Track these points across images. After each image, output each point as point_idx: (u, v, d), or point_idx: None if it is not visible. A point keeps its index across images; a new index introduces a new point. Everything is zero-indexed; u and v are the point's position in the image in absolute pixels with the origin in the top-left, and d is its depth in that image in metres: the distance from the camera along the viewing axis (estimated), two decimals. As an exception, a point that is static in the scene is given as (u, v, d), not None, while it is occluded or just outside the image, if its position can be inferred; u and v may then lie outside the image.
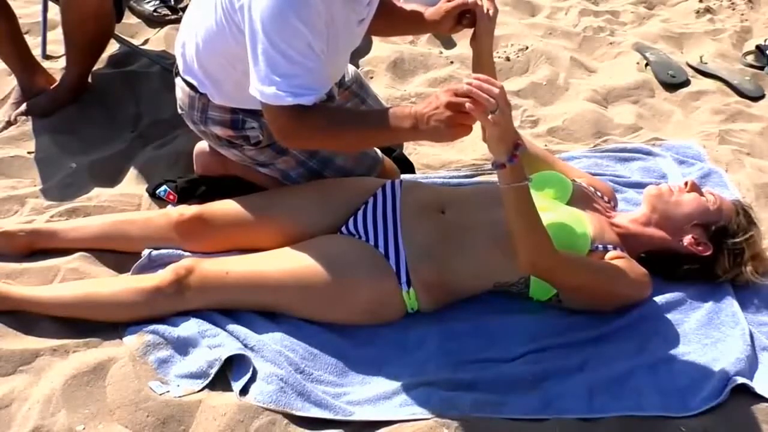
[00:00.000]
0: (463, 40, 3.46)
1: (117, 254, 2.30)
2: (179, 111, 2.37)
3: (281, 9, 1.88)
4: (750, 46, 3.59)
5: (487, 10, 2.20)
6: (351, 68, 2.59)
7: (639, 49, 3.49)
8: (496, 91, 1.77)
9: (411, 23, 2.39)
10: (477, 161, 2.79)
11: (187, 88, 2.27)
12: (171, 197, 2.49)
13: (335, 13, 1.98)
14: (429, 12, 2.31)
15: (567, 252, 2.02)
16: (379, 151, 2.49)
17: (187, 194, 2.49)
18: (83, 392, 1.89)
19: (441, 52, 3.46)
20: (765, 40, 3.54)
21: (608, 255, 2.10)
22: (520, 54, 3.44)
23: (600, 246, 2.10)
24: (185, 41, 2.25)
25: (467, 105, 1.78)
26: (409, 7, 2.39)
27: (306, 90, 1.95)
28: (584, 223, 2.12)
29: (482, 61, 2.26)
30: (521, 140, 1.89)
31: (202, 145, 2.53)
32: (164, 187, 2.51)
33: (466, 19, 2.24)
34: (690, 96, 3.24)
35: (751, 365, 2.02)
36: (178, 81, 2.32)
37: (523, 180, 1.89)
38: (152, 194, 2.53)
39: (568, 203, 2.20)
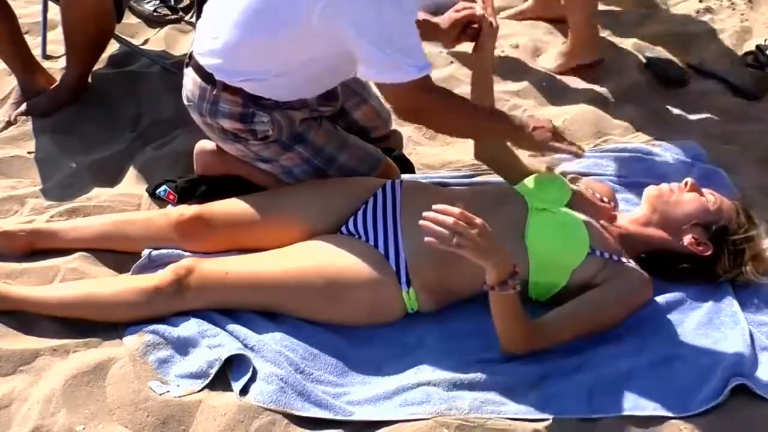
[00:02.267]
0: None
1: (117, 254, 2.30)
2: (186, 102, 2.36)
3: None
4: (750, 46, 3.58)
5: (490, 24, 2.27)
6: None
7: (639, 49, 3.48)
8: (450, 221, 1.79)
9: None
10: (477, 161, 2.78)
11: (199, 79, 2.25)
12: (171, 197, 2.49)
13: None
14: (434, 21, 2.34)
15: (550, 321, 2.03)
16: (380, 151, 2.49)
17: (187, 194, 2.49)
18: (83, 392, 1.89)
19: (441, 52, 3.45)
20: (765, 40, 3.53)
21: (604, 273, 2.08)
22: (519, 54, 3.44)
23: (598, 252, 2.10)
24: (221, 31, 2.20)
25: (427, 239, 1.82)
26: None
27: (425, 61, 2.09)
28: (583, 225, 2.12)
29: (483, 74, 2.33)
30: (517, 269, 1.89)
31: (202, 145, 2.53)
32: (164, 187, 2.51)
33: (470, 29, 2.31)
34: (690, 96, 3.24)
35: (751, 365, 2.02)
36: (188, 71, 2.31)
37: (510, 283, 1.88)
38: (152, 194, 2.53)
39: (567, 205, 2.20)
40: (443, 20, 2.33)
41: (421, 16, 2.38)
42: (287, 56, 2.15)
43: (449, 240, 1.79)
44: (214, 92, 2.23)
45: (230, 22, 2.18)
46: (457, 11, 2.31)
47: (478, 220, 1.83)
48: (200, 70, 2.25)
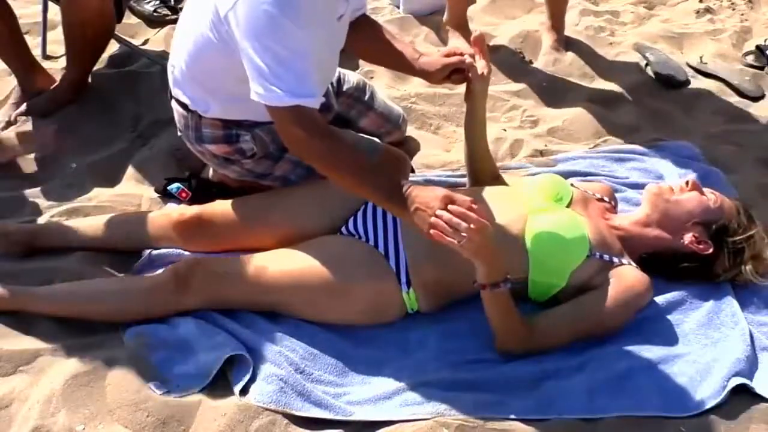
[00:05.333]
0: (463, 40, 3.46)
1: (117, 254, 2.30)
2: (179, 133, 2.36)
3: (271, 12, 1.87)
4: (750, 46, 3.59)
5: (482, 71, 2.21)
6: (354, 75, 2.56)
7: (639, 49, 3.48)
8: (463, 226, 1.79)
9: (400, 64, 2.37)
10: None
11: (181, 109, 2.27)
12: (184, 195, 2.46)
13: (320, 8, 1.98)
14: (423, 60, 2.30)
15: (548, 322, 2.05)
16: (376, 140, 2.48)
17: (200, 195, 2.44)
18: (83, 392, 1.89)
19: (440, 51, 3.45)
20: (765, 40, 3.54)
21: (603, 274, 2.08)
22: (519, 54, 3.44)
23: (598, 254, 2.10)
24: (175, 61, 2.24)
25: (431, 232, 1.82)
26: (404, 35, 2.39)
27: (305, 90, 1.93)
28: (583, 226, 2.12)
29: (476, 117, 2.31)
30: (508, 276, 1.94)
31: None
32: (177, 184, 2.48)
33: (456, 75, 2.27)
34: (690, 96, 3.24)
35: (751, 365, 2.03)
36: (173, 103, 2.31)
37: (501, 286, 1.93)
38: (163, 191, 2.51)
39: (568, 206, 2.20)
40: (432, 62, 2.28)
41: (402, 47, 2.34)
42: (227, 74, 2.09)
43: (457, 242, 1.80)
44: (194, 119, 2.24)
45: (178, 51, 2.19)
46: (447, 56, 2.26)
47: (483, 221, 1.82)
48: (178, 101, 2.26)
